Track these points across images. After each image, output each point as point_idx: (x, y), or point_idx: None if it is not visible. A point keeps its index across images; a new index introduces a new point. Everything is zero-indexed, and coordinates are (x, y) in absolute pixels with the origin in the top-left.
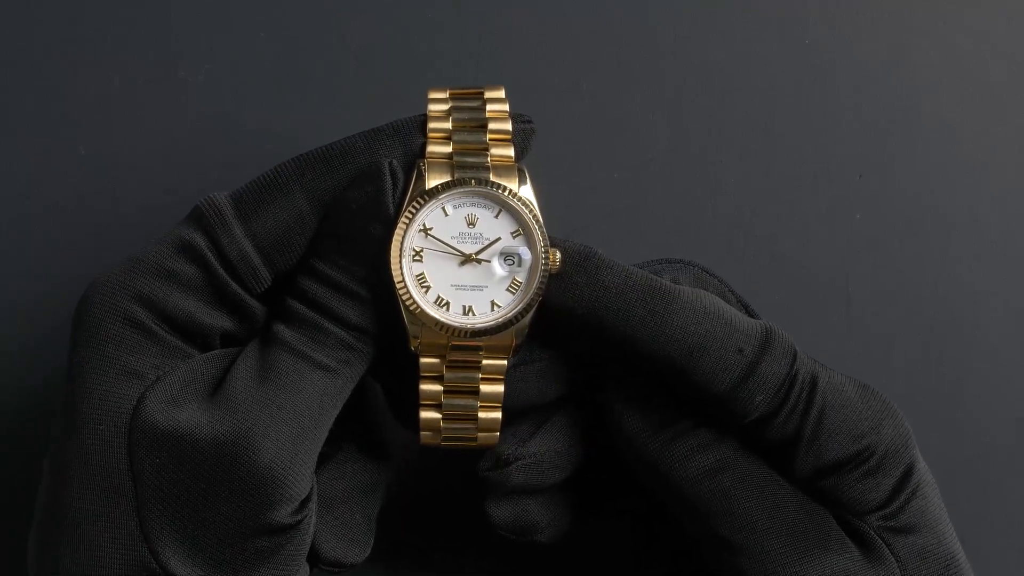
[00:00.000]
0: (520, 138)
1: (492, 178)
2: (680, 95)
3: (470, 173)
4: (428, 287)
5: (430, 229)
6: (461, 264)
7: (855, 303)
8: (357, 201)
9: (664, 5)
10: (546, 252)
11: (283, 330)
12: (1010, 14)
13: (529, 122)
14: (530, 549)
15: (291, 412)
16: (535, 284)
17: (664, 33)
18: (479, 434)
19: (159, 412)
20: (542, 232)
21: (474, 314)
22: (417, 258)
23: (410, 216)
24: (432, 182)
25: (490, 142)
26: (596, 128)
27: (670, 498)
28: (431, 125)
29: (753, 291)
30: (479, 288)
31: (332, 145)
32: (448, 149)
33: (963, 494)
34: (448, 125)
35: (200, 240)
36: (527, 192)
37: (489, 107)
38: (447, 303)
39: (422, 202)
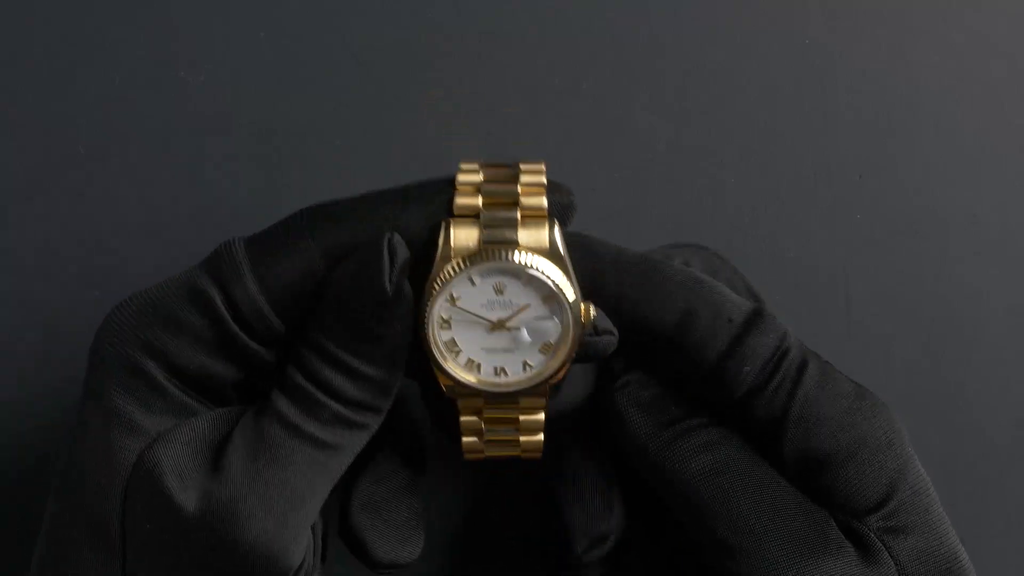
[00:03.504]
0: (558, 210)
1: (521, 235)
2: (680, 95)
3: (497, 233)
4: (459, 351)
5: (457, 299)
6: (490, 331)
7: (855, 303)
8: (354, 276)
9: (664, 5)
10: (577, 310)
11: (279, 400)
12: (1010, 14)
13: (569, 194)
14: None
15: (280, 487)
16: (568, 345)
17: (664, 33)
18: (522, 452)
19: (154, 477)
20: (574, 288)
21: (507, 374)
22: (445, 326)
23: (437, 288)
24: (459, 238)
25: (522, 191)
26: (596, 128)
27: (671, 499)
28: (460, 177)
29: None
30: (510, 351)
31: (353, 200)
32: (477, 202)
33: (963, 494)
34: (478, 177)
35: (213, 290)
36: (558, 241)
37: (524, 170)
38: (478, 365)
39: (448, 276)
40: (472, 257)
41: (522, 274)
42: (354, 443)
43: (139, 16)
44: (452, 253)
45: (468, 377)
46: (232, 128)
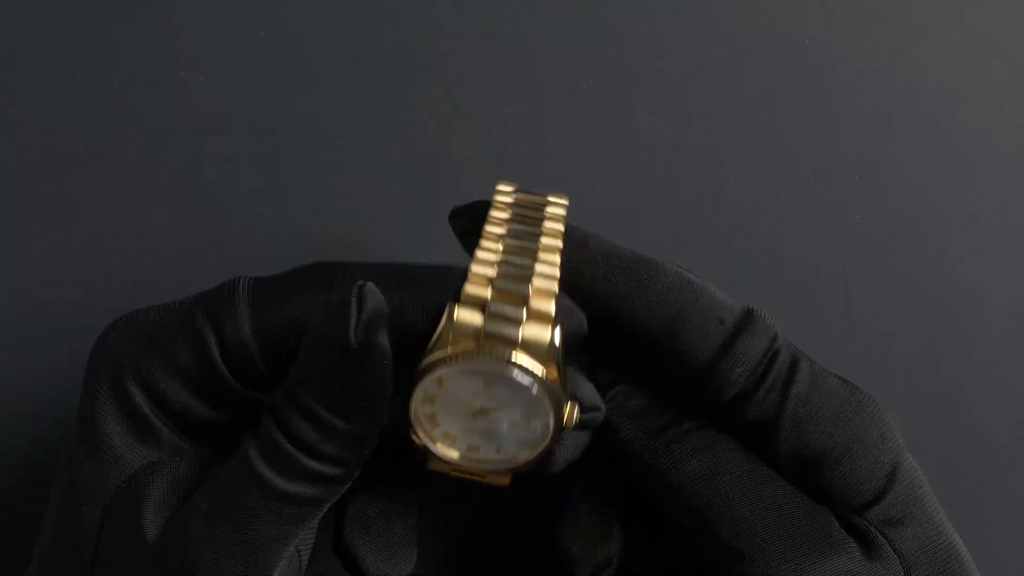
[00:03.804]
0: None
1: (523, 331)
2: (680, 95)
3: (499, 328)
4: (438, 424)
5: (446, 381)
6: (472, 416)
7: (855, 303)
8: (321, 327)
9: (664, 5)
10: (561, 416)
11: (251, 450)
12: (1010, 14)
13: (582, 321)
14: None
15: (241, 544)
16: (546, 444)
17: (664, 33)
18: (488, 482)
19: (127, 523)
20: (564, 395)
21: (480, 452)
22: (429, 401)
23: (428, 367)
24: (460, 322)
25: (532, 293)
26: (596, 128)
27: (669, 504)
28: (474, 269)
29: (753, 291)
30: (488, 436)
31: (369, 265)
32: (486, 293)
33: (963, 494)
34: (492, 272)
35: (207, 328)
36: (557, 344)
37: (538, 272)
38: (455, 439)
39: (441, 360)
40: (469, 353)
41: (513, 378)
42: (327, 495)
43: (139, 16)
44: (451, 338)
45: (443, 450)
46: (232, 128)
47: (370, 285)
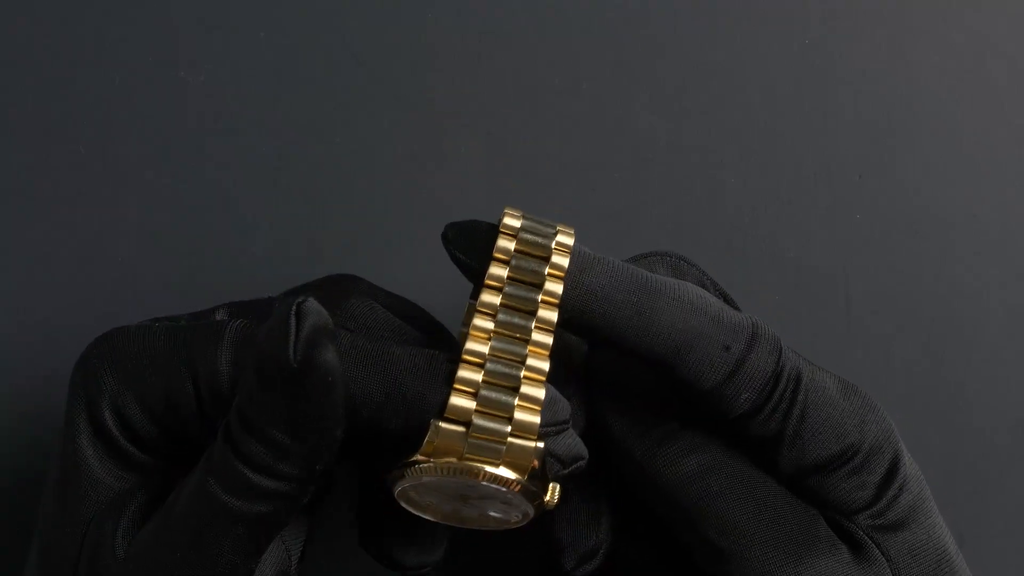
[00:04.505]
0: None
1: (499, 469)
2: (680, 95)
3: (482, 446)
4: (423, 498)
5: (428, 482)
6: (456, 497)
7: (855, 303)
8: (261, 346)
9: (664, 5)
10: (542, 503)
11: (204, 471)
12: (1010, 14)
13: (561, 425)
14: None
15: (205, 567)
16: (529, 520)
17: (664, 33)
18: None
19: (101, 545)
20: (543, 494)
21: (461, 518)
22: (412, 491)
23: (410, 473)
24: (443, 439)
25: (518, 404)
26: (596, 128)
27: (660, 503)
28: (460, 374)
29: (753, 291)
30: (473, 510)
31: (370, 341)
32: (471, 406)
33: (963, 494)
34: (477, 377)
35: (184, 375)
36: (540, 457)
37: (526, 378)
38: (439, 510)
39: (423, 471)
40: (450, 464)
41: (490, 487)
42: (284, 512)
43: (139, 16)
44: (433, 451)
45: (425, 514)
46: (232, 128)
47: (311, 301)
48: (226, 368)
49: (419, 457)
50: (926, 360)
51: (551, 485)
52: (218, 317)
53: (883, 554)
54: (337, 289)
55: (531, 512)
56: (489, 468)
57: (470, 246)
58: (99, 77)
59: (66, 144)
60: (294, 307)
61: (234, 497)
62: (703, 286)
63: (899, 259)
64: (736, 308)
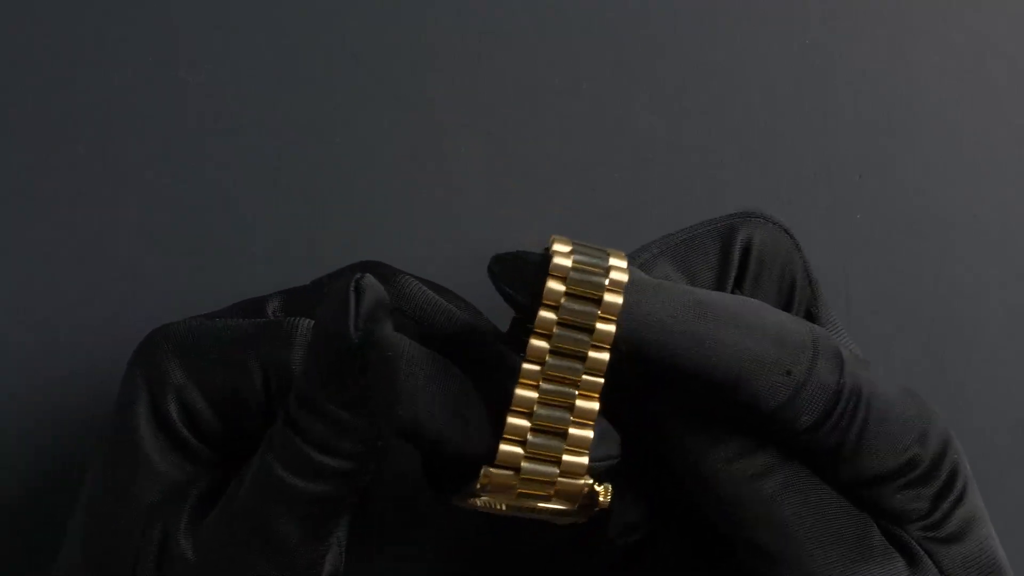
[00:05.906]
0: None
1: (551, 502)
2: (680, 95)
3: (527, 503)
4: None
5: (482, 504)
6: (513, 497)
7: (855, 303)
8: (321, 323)
9: (664, 5)
10: (593, 508)
11: (266, 454)
12: (1010, 14)
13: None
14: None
15: (261, 554)
16: (582, 520)
17: (664, 33)
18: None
19: (164, 539)
20: (593, 491)
21: (520, 511)
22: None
23: (464, 501)
24: (495, 483)
25: (567, 446)
26: (596, 128)
27: (708, 503)
28: (510, 421)
29: None
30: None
31: (429, 356)
32: (520, 452)
33: None
34: (527, 423)
35: (256, 371)
36: (586, 492)
37: (575, 420)
38: (498, 507)
39: (477, 504)
40: (504, 496)
41: (550, 516)
42: (347, 490)
43: (139, 16)
44: (489, 491)
45: (486, 508)
46: (232, 128)
47: (368, 277)
48: (298, 367)
49: (475, 488)
50: (926, 360)
51: (603, 487)
52: (271, 307)
53: (936, 565)
54: (378, 270)
55: (583, 518)
56: (541, 504)
57: (519, 282)
58: (99, 77)
59: (66, 144)
60: (353, 283)
61: (298, 477)
62: (792, 261)
63: (899, 259)
64: (816, 294)
